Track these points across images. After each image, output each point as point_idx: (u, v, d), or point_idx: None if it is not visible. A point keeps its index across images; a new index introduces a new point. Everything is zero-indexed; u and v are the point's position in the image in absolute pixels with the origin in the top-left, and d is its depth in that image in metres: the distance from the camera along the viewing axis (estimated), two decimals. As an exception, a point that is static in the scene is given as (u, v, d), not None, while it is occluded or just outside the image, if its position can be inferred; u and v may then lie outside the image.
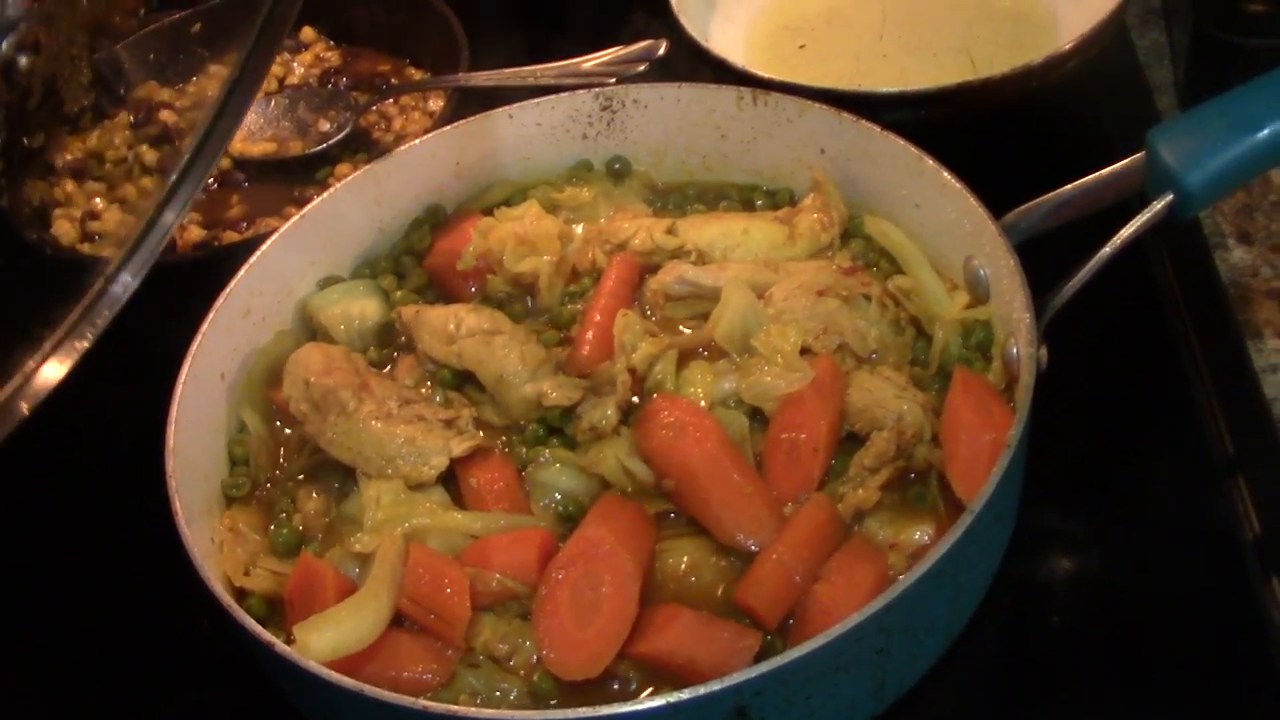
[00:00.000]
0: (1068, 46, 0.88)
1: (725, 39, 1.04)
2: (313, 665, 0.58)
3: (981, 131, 0.89)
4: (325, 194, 0.81)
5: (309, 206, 0.81)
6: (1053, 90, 0.90)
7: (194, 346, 0.73)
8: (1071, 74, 0.91)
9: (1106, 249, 0.65)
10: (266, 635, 0.60)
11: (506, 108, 0.85)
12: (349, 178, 0.83)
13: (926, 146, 0.77)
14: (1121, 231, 0.66)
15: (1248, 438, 0.74)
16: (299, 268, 0.81)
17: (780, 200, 0.85)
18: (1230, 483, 0.74)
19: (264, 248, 0.78)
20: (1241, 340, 0.80)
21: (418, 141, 0.84)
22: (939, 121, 0.90)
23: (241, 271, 0.76)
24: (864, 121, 0.79)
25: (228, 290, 0.75)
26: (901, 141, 0.77)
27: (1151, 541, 0.74)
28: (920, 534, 0.66)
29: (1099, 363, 0.79)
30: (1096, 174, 0.69)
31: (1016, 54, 0.98)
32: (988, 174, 0.75)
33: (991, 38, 1.01)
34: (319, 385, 0.74)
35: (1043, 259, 0.70)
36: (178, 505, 0.66)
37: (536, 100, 0.85)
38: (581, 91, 0.85)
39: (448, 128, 0.85)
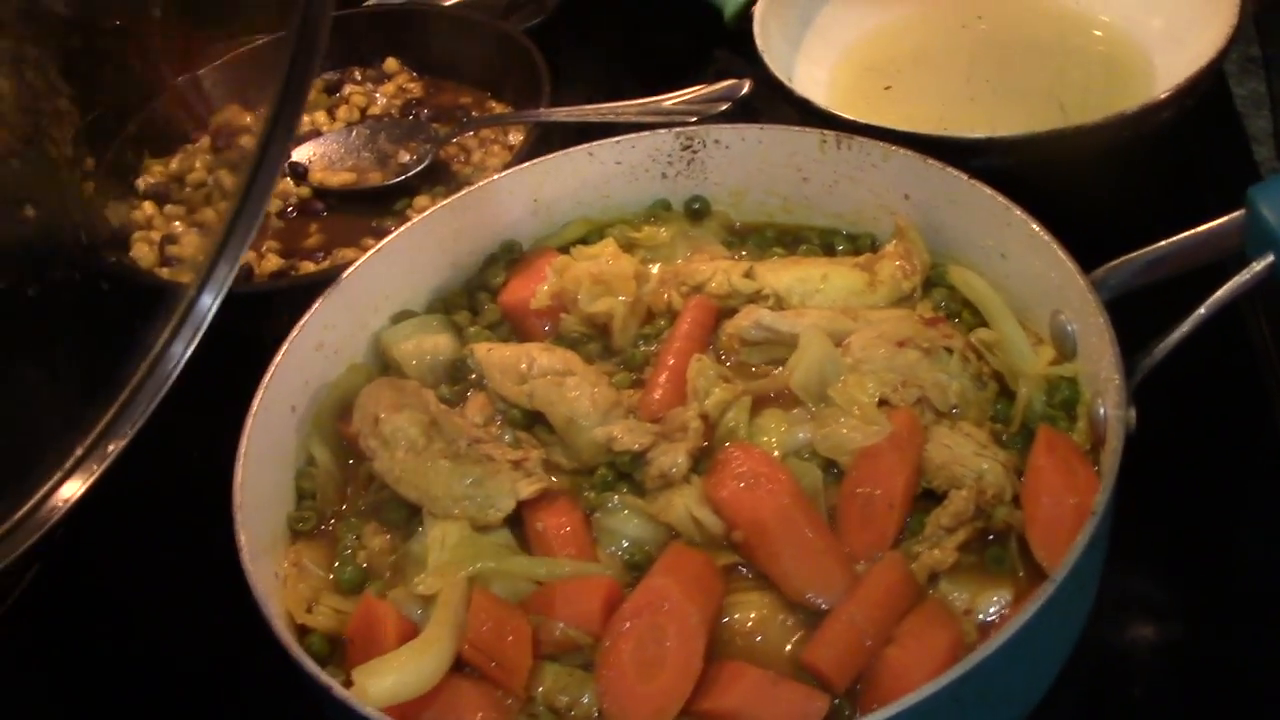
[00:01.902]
0: (1163, 96, 0.86)
1: (809, 79, 1.02)
2: (370, 711, 0.57)
3: (1072, 180, 0.86)
4: (402, 229, 0.81)
5: (385, 241, 0.80)
6: (1146, 139, 0.88)
7: (266, 379, 0.73)
8: (1167, 123, 0.88)
9: (1202, 310, 0.63)
10: (325, 678, 0.59)
11: (586, 145, 0.84)
12: (426, 212, 0.82)
13: (1014, 195, 0.75)
14: (1218, 293, 0.63)
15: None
16: (374, 301, 0.81)
17: (861, 245, 0.84)
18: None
19: (339, 281, 0.77)
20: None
21: (496, 177, 0.84)
22: (1028, 169, 0.87)
23: (316, 304, 0.76)
24: (950, 169, 0.77)
25: (302, 322, 0.75)
26: (988, 190, 0.75)
27: (1238, 612, 0.71)
28: (998, 599, 0.63)
29: (1188, 423, 0.76)
30: (1193, 231, 0.67)
31: (1109, 101, 0.96)
32: (1078, 225, 0.72)
33: (1083, 83, 0.99)
34: (389, 421, 0.73)
35: (1135, 314, 0.67)
36: (243, 540, 0.65)
37: (616, 139, 0.84)
38: (662, 131, 0.84)
39: (526, 164, 0.84)
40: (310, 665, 0.60)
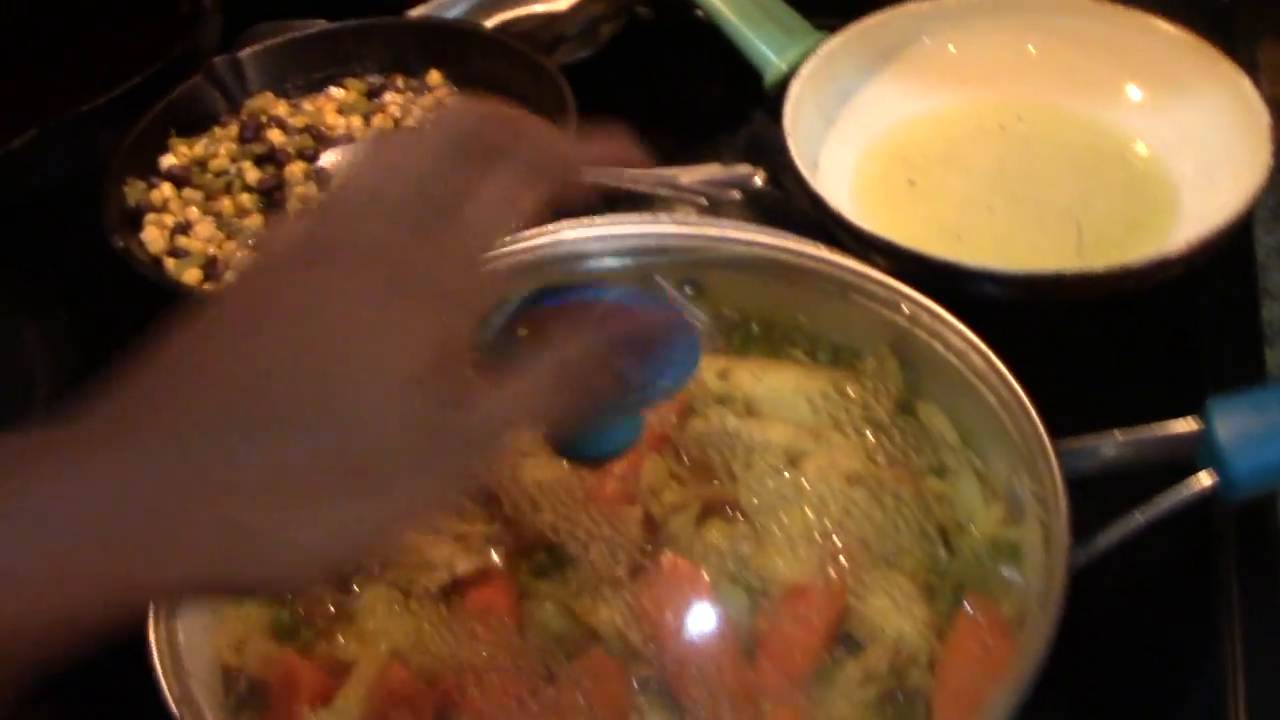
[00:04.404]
0: (1176, 252, 0.85)
1: (836, 161, 1.02)
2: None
3: (1064, 325, 0.86)
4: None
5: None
6: (1152, 291, 0.87)
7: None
8: (1176, 278, 0.87)
9: (1139, 517, 0.63)
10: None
11: (586, 220, 0.84)
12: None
13: (1003, 331, 0.75)
14: (1159, 500, 0.63)
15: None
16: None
17: (843, 356, 0.83)
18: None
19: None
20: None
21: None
22: (1024, 303, 0.88)
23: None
24: (939, 311, 0.76)
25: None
26: (973, 336, 0.75)
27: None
28: (895, 765, 0.64)
29: (1129, 604, 0.76)
30: (1150, 430, 0.67)
31: (1128, 234, 0.95)
32: (1060, 379, 0.72)
33: (1106, 210, 0.98)
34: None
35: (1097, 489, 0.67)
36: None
37: (612, 217, 0.84)
38: (663, 215, 0.85)
39: (531, 233, 0.84)
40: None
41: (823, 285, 0.82)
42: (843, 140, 1.04)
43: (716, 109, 1.15)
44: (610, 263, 0.85)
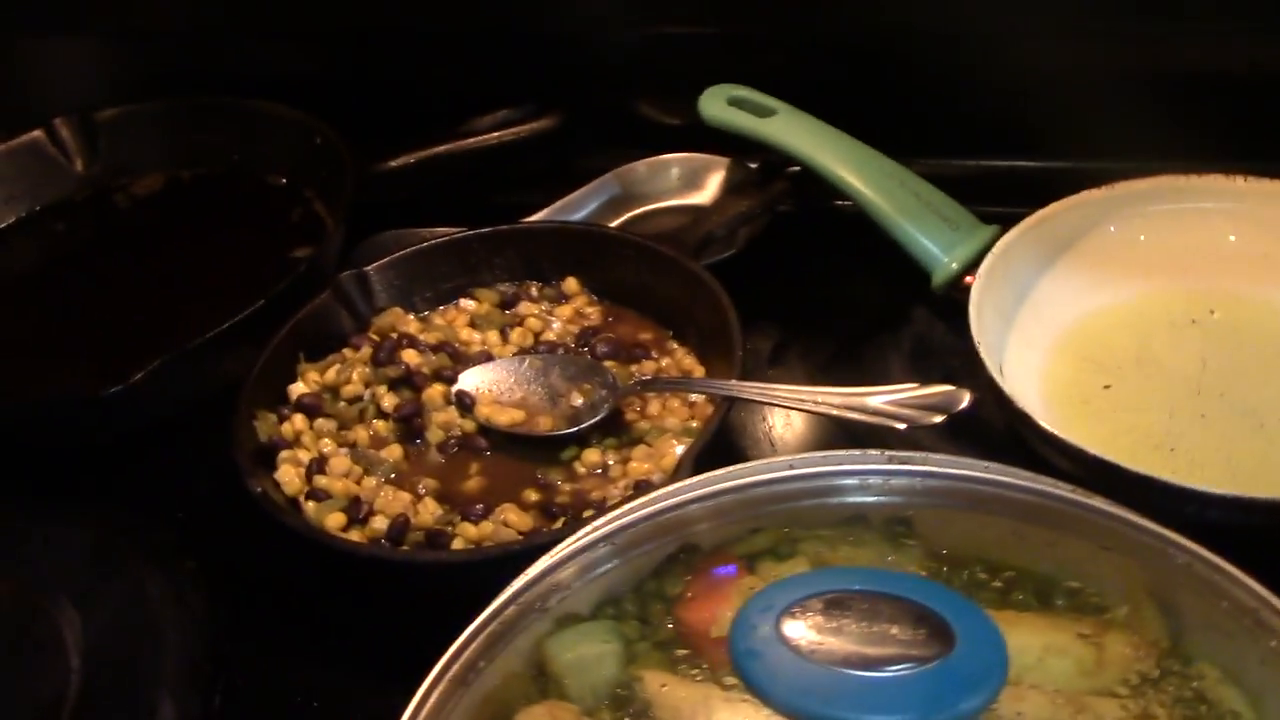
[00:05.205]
0: None
1: (1022, 364, 0.94)
2: None
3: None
4: (578, 537, 0.74)
5: (560, 551, 0.73)
6: None
7: (413, 706, 0.66)
8: None
9: None
10: None
11: (787, 459, 0.76)
12: (609, 517, 0.75)
13: (1254, 557, 0.66)
14: None
15: None
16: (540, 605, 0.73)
17: (1084, 602, 0.74)
18: None
19: (503, 597, 0.70)
20: None
21: (687, 484, 0.76)
22: (1267, 530, 0.79)
23: (479, 640, 0.68)
24: (1212, 558, 0.67)
25: (456, 653, 0.68)
26: (1256, 585, 0.66)
27: None
28: None
29: None
30: None
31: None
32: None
33: (1330, 413, 0.89)
34: (547, 767, 0.66)
35: None
36: None
37: (823, 454, 0.76)
38: (873, 453, 0.76)
39: (720, 472, 0.76)
40: None
41: (1061, 526, 0.73)
42: (1026, 343, 0.96)
43: (873, 309, 1.07)
44: (815, 502, 0.77)
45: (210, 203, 1.28)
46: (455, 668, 0.68)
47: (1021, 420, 0.84)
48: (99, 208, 1.30)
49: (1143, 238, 0.98)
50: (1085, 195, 0.98)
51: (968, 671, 0.52)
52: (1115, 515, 0.71)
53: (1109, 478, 0.80)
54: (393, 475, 0.93)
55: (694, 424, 0.93)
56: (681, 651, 0.75)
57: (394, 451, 0.95)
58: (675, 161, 1.19)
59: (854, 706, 0.50)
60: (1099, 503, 0.72)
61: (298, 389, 0.99)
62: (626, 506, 0.76)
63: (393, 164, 1.20)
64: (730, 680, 0.72)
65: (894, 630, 0.54)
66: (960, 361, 0.96)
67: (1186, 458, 0.87)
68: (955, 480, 0.75)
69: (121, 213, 1.29)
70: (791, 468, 0.77)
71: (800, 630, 0.54)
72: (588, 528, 0.75)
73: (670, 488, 0.77)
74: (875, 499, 0.77)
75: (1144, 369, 0.95)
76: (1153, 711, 0.67)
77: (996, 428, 0.91)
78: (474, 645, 0.69)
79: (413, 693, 0.66)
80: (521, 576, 0.72)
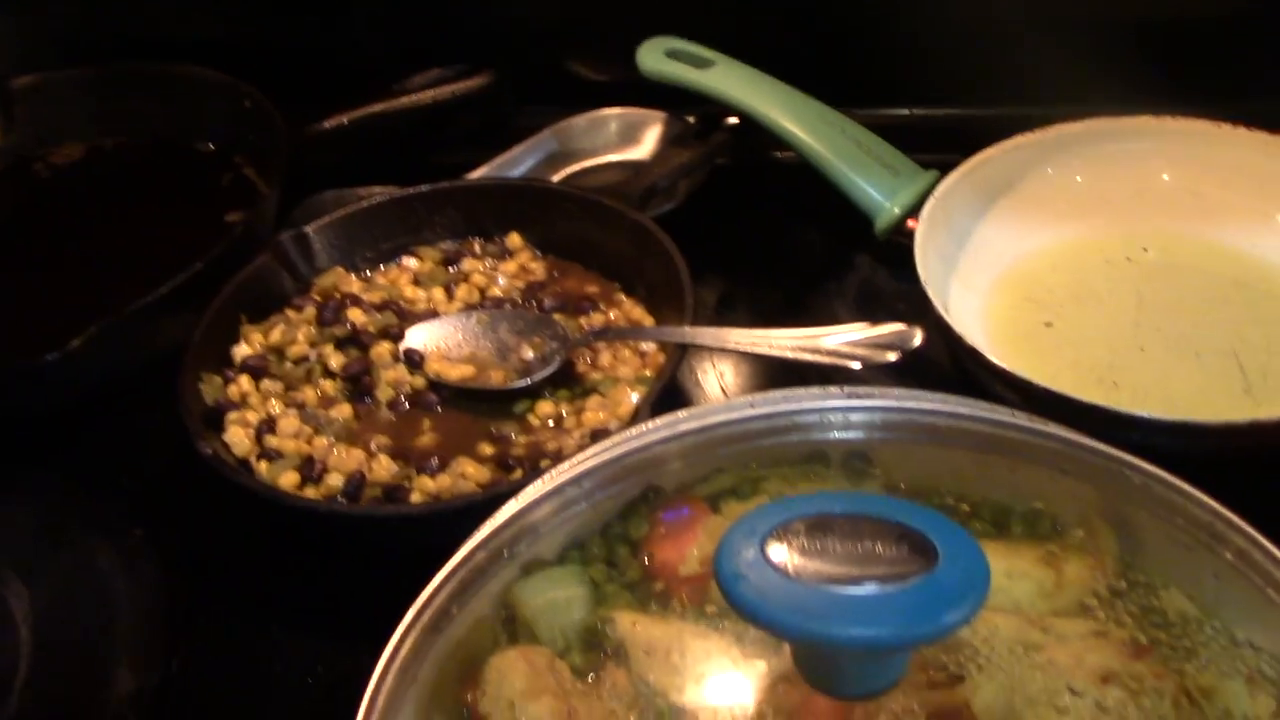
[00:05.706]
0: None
1: (965, 307, 0.96)
2: None
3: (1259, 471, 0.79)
4: (544, 482, 0.74)
5: (527, 497, 0.73)
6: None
7: (386, 654, 0.65)
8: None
9: None
10: None
11: (749, 397, 0.77)
12: (570, 463, 0.75)
13: (1195, 480, 0.68)
14: None
15: None
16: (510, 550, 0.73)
17: (1039, 528, 0.76)
18: None
19: (473, 542, 0.70)
20: None
21: (649, 428, 0.76)
22: (1209, 454, 0.81)
23: (450, 585, 0.68)
24: (1168, 477, 0.69)
25: (428, 600, 0.67)
26: (1210, 501, 0.68)
27: None
28: None
29: None
30: None
31: (1294, 369, 0.89)
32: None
33: (1264, 345, 0.92)
34: (524, 710, 0.66)
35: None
36: None
37: (783, 393, 0.77)
38: (833, 389, 0.77)
39: (682, 413, 0.77)
40: None
41: (1018, 453, 0.75)
42: (967, 285, 0.98)
43: (817, 257, 1.08)
44: (776, 440, 0.77)
45: (136, 171, 1.26)
46: (428, 614, 0.68)
47: (971, 356, 0.86)
48: (18, 178, 1.27)
49: (1079, 179, 1.00)
50: (1021, 139, 1.00)
51: (952, 584, 0.53)
52: (1072, 440, 0.72)
53: (1057, 409, 0.81)
54: (344, 434, 0.92)
55: (647, 373, 0.93)
56: (654, 587, 0.76)
57: (343, 410, 0.94)
58: (613, 116, 1.19)
59: (842, 621, 0.51)
60: (1056, 429, 0.73)
61: (242, 351, 0.98)
62: (591, 450, 0.76)
63: (326, 125, 1.18)
64: (704, 614, 0.73)
65: (877, 548, 0.55)
66: (905, 305, 0.98)
67: (1129, 389, 0.90)
68: (913, 413, 0.76)
69: (43, 182, 1.26)
70: (753, 406, 0.78)
71: (784, 553, 0.54)
72: (553, 471, 0.75)
73: (633, 430, 0.77)
74: (835, 435, 0.78)
75: (1083, 306, 0.97)
76: (1110, 629, 0.69)
77: (943, 367, 0.93)
78: (445, 591, 0.69)
79: (379, 650, 0.65)
80: (490, 521, 0.72)
